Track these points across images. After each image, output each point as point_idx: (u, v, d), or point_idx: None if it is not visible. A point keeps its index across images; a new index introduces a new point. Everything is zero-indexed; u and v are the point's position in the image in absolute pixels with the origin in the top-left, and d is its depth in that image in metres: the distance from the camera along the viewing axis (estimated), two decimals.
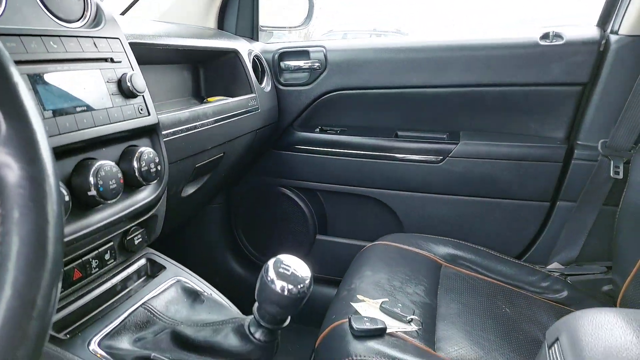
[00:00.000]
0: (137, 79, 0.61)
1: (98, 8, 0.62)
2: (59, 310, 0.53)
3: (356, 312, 0.79)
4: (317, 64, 1.23)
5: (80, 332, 0.52)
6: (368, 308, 0.81)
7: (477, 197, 1.18)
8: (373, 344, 0.72)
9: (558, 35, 1.08)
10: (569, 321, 0.48)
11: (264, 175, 1.34)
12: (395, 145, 1.21)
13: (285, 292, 0.48)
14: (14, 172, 0.26)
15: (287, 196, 1.33)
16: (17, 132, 0.29)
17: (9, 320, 0.22)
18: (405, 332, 0.76)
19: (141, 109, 0.63)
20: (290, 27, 1.42)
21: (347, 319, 0.76)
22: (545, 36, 1.09)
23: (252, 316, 0.52)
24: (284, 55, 1.26)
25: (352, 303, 0.82)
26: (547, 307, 0.94)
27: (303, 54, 1.25)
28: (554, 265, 1.12)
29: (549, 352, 0.48)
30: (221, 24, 1.27)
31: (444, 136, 1.20)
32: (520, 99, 1.14)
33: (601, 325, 0.46)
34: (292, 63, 1.25)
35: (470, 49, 1.15)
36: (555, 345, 0.47)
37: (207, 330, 0.54)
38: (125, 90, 0.60)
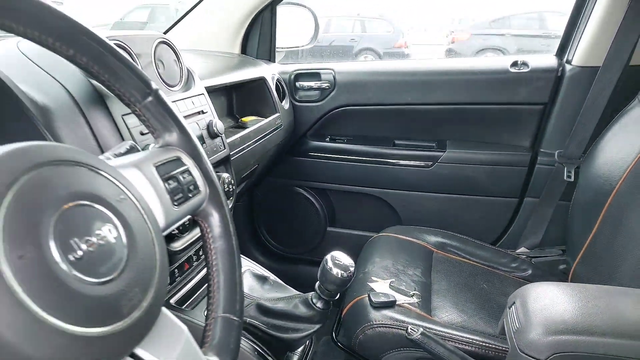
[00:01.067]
0: (219, 124, 0.83)
1: (189, 73, 0.84)
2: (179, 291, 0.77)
3: (372, 290, 1.04)
4: (327, 84, 1.46)
5: (197, 305, 0.76)
6: (381, 286, 1.06)
7: (460, 194, 1.45)
8: (387, 312, 0.97)
9: (524, 64, 1.34)
10: (522, 290, 0.74)
11: (282, 178, 1.57)
12: (393, 152, 1.46)
13: (339, 275, 0.72)
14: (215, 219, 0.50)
15: (302, 195, 1.57)
16: (214, 194, 0.52)
17: None
18: (409, 304, 1.02)
19: (220, 145, 0.85)
20: (300, 47, 1.63)
21: (366, 295, 1.01)
22: (514, 64, 1.34)
23: (314, 292, 0.76)
24: (299, 76, 1.48)
25: (368, 283, 1.07)
26: (514, 283, 1.20)
27: (315, 75, 1.47)
28: (521, 250, 1.40)
29: (508, 312, 0.74)
30: (244, 49, 1.48)
31: (434, 145, 1.45)
32: (494, 115, 1.40)
33: (543, 293, 0.72)
34: (306, 83, 1.48)
35: (454, 73, 1.40)
36: (513, 307, 0.73)
37: (281, 303, 0.78)
38: (211, 133, 0.82)
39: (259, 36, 1.47)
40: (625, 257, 0.91)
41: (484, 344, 0.89)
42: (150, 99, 0.49)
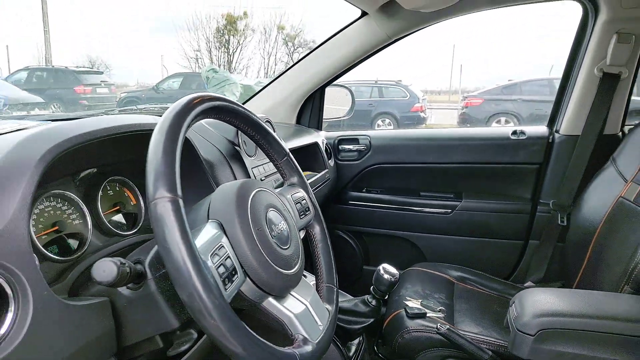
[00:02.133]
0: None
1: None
2: None
3: (407, 305, 1.33)
4: (364, 147, 1.84)
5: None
6: (413, 304, 1.36)
7: (475, 237, 1.75)
8: (420, 321, 1.26)
9: (522, 132, 1.69)
10: (520, 293, 1.04)
11: (326, 222, 1.90)
12: (418, 202, 1.80)
13: (389, 279, 1.04)
14: (318, 229, 0.84)
15: (342, 237, 1.90)
16: (317, 214, 0.86)
17: None
18: (437, 316, 1.31)
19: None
20: (341, 118, 2.02)
21: (403, 309, 1.30)
22: (514, 133, 1.70)
23: (369, 295, 1.07)
24: (342, 141, 1.87)
25: (403, 301, 1.36)
26: None
27: (354, 140, 1.85)
28: (528, 284, 1.67)
29: (510, 309, 1.03)
30: (298, 119, 1.88)
31: (452, 195, 1.79)
32: (500, 172, 1.73)
33: (535, 293, 1.02)
34: (347, 146, 1.86)
35: (466, 139, 1.76)
36: (513, 304, 1.02)
37: (345, 303, 1.09)
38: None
39: (310, 110, 1.87)
40: (605, 283, 1.19)
41: (497, 342, 1.17)
42: (285, 158, 0.85)
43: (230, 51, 16.59)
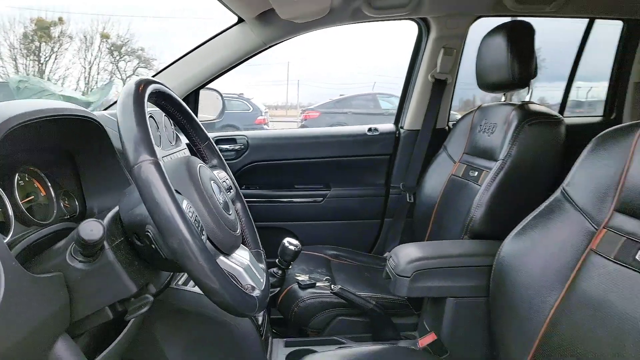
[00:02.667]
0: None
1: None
2: None
3: (299, 280, 1.50)
4: (241, 147, 1.96)
5: None
6: (303, 278, 1.53)
7: (343, 220, 2.02)
8: (311, 290, 1.44)
9: (376, 129, 2.02)
10: (394, 249, 1.29)
11: None
12: (293, 194, 1.98)
13: (294, 249, 1.19)
14: (239, 203, 0.96)
15: None
16: (236, 189, 0.98)
17: None
18: (324, 285, 1.50)
19: None
20: (212, 120, 2.10)
21: (295, 283, 1.47)
22: (369, 130, 2.02)
23: (275, 267, 1.20)
24: (219, 141, 1.95)
25: (295, 277, 1.52)
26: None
27: (232, 140, 1.96)
28: (387, 254, 2.00)
29: (388, 262, 1.28)
30: None
31: (322, 186, 2.02)
32: (360, 163, 2.03)
33: (406, 247, 1.28)
34: (224, 146, 1.95)
35: (332, 136, 2.02)
36: (390, 258, 1.27)
37: None
38: None
39: None
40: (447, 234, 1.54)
41: (374, 295, 1.42)
42: (207, 142, 0.94)
43: (42, 59, 14.62)
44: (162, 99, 0.80)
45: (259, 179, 2.01)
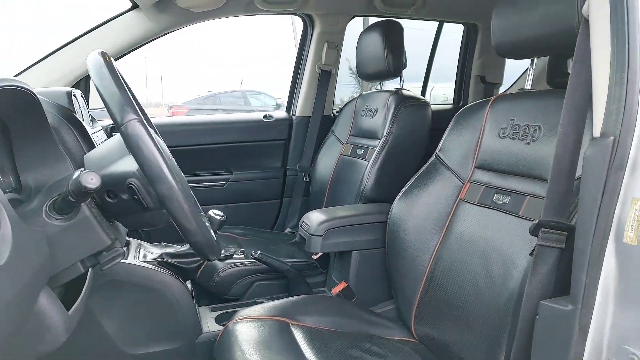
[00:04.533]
0: None
1: None
2: None
3: None
4: None
5: None
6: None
7: (246, 202, 2.14)
8: (229, 261, 1.55)
9: (271, 116, 2.18)
10: (307, 214, 1.48)
11: None
12: (197, 179, 2.05)
13: (220, 218, 1.30)
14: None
15: None
16: None
17: None
18: (240, 256, 1.62)
19: None
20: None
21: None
22: (265, 116, 2.17)
23: None
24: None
25: None
26: (287, 245, 1.96)
27: None
28: (287, 230, 2.19)
29: (301, 225, 1.45)
30: None
31: (223, 171, 2.12)
32: (258, 148, 2.18)
33: (315, 212, 1.47)
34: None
35: (232, 123, 2.13)
36: (303, 223, 1.45)
37: (181, 248, 1.28)
38: None
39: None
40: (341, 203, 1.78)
41: (290, 259, 1.59)
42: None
43: None
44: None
45: None
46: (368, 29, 1.76)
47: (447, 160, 1.25)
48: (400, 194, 1.31)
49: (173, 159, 0.87)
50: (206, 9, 1.71)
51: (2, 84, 0.82)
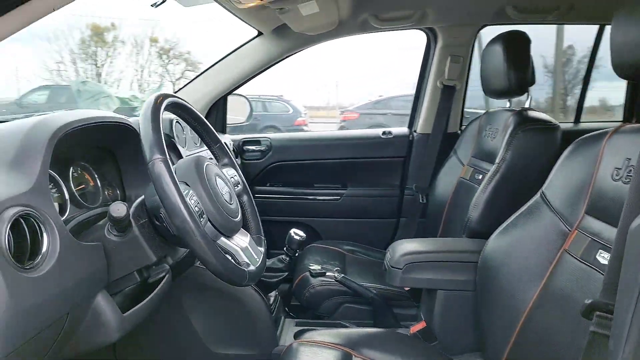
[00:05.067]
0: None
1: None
2: None
3: (311, 268, 1.64)
4: (265, 148, 2.13)
5: None
6: (315, 268, 1.67)
7: (359, 218, 2.15)
8: (321, 278, 1.58)
9: (390, 132, 2.14)
10: (393, 243, 1.42)
11: None
12: (313, 192, 2.14)
13: (300, 239, 1.34)
14: (245, 196, 1.12)
15: None
16: (244, 184, 1.15)
17: None
18: (334, 275, 1.64)
19: None
20: (241, 123, 2.28)
21: (307, 272, 1.61)
22: (384, 133, 2.14)
23: (283, 254, 1.36)
24: (246, 142, 2.13)
25: (308, 267, 1.67)
26: None
27: (257, 142, 2.14)
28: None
29: (386, 256, 1.40)
30: None
31: (339, 185, 2.16)
32: (376, 164, 2.16)
33: (403, 242, 1.40)
34: (251, 147, 2.13)
35: (348, 139, 2.16)
36: (388, 252, 1.39)
37: None
38: None
39: (215, 116, 2.10)
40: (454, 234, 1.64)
41: (378, 287, 1.55)
42: (218, 145, 1.11)
43: (99, 63, 15.55)
44: (178, 109, 0.98)
45: (281, 178, 2.18)
46: (491, 42, 1.58)
47: (553, 200, 1.05)
48: (497, 232, 1.16)
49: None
50: (320, 31, 1.77)
51: (107, 120, 1.00)
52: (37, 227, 0.69)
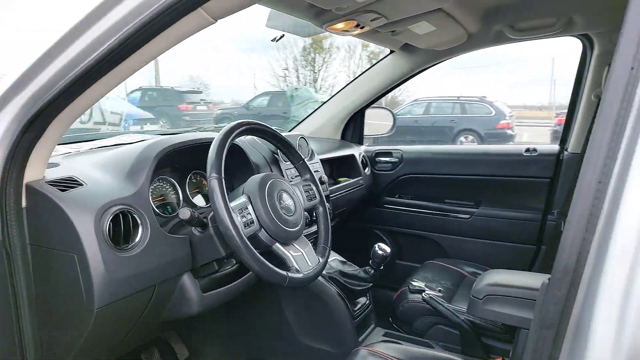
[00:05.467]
0: (324, 177, 1.57)
1: (312, 151, 1.61)
2: None
3: (411, 283, 1.65)
4: (397, 159, 2.18)
5: None
6: (418, 283, 1.67)
7: (490, 240, 2.00)
8: (418, 295, 1.58)
9: (534, 150, 1.92)
10: (487, 271, 1.32)
11: (365, 222, 2.27)
12: (443, 207, 2.09)
13: (382, 254, 1.39)
14: (321, 210, 1.24)
15: (378, 235, 2.24)
16: (321, 199, 1.26)
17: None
18: (434, 293, 1.61)
19: (325, 189, 1.59)
20: (384, 135, 2.37)
21: (408, 286, 1.63)
22: (527, 150, 1.93)
23: (368, 266, 1.43)
24: (378, 154, 2.23)
25: (410, 281, 1.68)
26: None
27: (389, 153, 2.21)
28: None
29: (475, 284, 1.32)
30: (343, 135, 2.27)
31: (472, 203, 2.05)
32: (514, 184, 1.97)
33: (494, 271, 1.30)
34: (383, 158, 2.22)
35: (485, 154, 2.03)
36: (477, 279, 1.31)
37: (351, 270, 1.46)
38: (321, 181, 1.56)
39: (353, 128, 2.26)
40: None
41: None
42: (301, 162, 1.26)
43: (316, 69, 17.35)
44: (258, 132, 1.18)
45: (412, 190, 2.20)
46: None
47: None
48: None
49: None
50: (449, 46, 1.73)
51: (198, 142, 1.27)
52: (134, 221, 0.97)
